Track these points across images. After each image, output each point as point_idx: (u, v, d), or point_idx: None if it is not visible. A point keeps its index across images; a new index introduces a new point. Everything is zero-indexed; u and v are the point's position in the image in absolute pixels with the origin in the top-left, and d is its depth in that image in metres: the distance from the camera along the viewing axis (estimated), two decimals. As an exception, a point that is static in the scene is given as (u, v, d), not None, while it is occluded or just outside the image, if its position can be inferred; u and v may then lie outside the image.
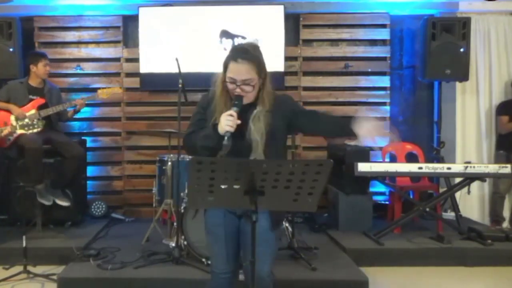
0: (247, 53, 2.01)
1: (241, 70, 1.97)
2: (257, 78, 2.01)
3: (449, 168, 4.05)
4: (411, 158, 4.92)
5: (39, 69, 4.33)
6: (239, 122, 1.93)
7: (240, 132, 1.97)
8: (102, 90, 4.44)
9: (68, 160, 4.27)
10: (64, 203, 4.18)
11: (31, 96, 4.32)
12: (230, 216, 2.11)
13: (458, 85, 5.14)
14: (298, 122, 2.13)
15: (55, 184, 4.25)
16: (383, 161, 4.84)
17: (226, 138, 1.88)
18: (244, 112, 1.99)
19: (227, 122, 1.89)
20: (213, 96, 2.09)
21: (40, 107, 4.27)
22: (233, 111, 1.92)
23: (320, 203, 2.02)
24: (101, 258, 3.61)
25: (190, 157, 1.82)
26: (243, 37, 4.93)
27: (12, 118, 4.18)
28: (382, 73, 5.21)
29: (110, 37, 5.20)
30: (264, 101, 2.05)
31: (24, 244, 3.41)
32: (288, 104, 2.15)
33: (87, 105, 4.62)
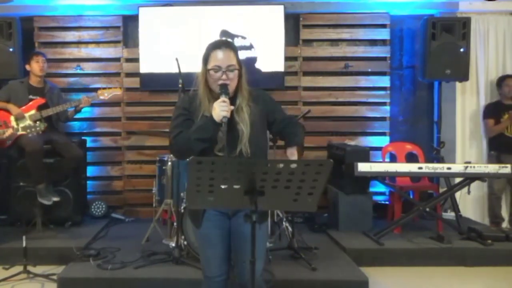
0: (227, 43, 2.11)
1: (225, 57, 2.04)
2: (238, 68, 2.06)
3: (449, 168, 4.05)
4: (411, 158, 4.92)
5: (33, 67, 4.34)
6: (232, 107, 1.99)
7: (227, 124, 1.98)
8: (102, 91, 4.44)
9: (67, 160, 4.28)
10: (53, 199, 4.19)
11: (31, 96, 4.32)
12: (222, 217, 2.11)
13: (458, 85, 5.14)
14: (272, 117, 2.18)
15: (52, 182, 4.28)
16: (383, 161, 4.84)
17: (223, 124, 1.91)
18: None
19: (222, 107, 1.93)
20: (193, 96, 2.13)
21: (40, 107, 4.28)
22: (224, 98, 1.96)
23: (320, 203, 2.03)
24: (101, 258, 3.61)
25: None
26: (243, 37, 4.94)
27: (12, 118, 4.19)
28: (382, 73, 5.21)
29: (110, 37, 5.20)
30: (243, 92, 2.10)
31: (24, 244, 3.41)
32: (267, 100, 2.20)
33: (87, 105, 4.63)
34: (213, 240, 2.11)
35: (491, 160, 4.85)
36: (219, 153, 2.03)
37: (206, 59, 2.08)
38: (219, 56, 2.03)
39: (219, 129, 1.94)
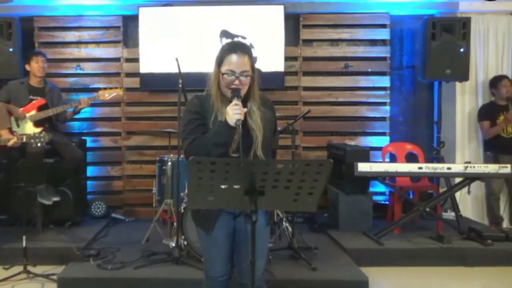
0: (244, 47, 2.09)
1: (240, 62, 2.02)
2: (251, 73, 2.05)
3: (449, 168, 4.05)
4: (411, 158, 4.92)
5: (32, 67, 4.33)
6: (245, 110, 1.97)
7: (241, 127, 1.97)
8: (103, 92, 4.40)
9: (67, 161, 4.28)
10: (53, 199, 4.19)
11: (31, 97, 4.31)
12: (228, 217, 2.11)
13: (458, 85, 5.14)
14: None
15: (52, 182, 4.28)
16: (383, 161, 4.84)
17: (238, 126, 1.89)
18: None
19: (235, 111, 1.91)
20: (204, 97, 2.11)
21: (41, 108, 4.27)
22: (236, 101, 1.95)
23: (320, 203, 2.03)
24: (101, 258, 3.61)
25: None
26: (243, 37, 4.93)
27: (13, 119, 4.18)
28: (382, 73, 5.21)
29: (110, 37, 5.20)
30: (255, 96, 2.10)
31: (24, 244, 3.42)
32: (273, 109, 2.23)
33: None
34: (218, 241, 2.11)
35: (487, 160, 4.85)
36: (234, 154, 2.01)
37: (220, 61, 2.06)
38: (234, 60, 2.01)
39: (235, 132, 1.92)
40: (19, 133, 4.00)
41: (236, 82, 2.01)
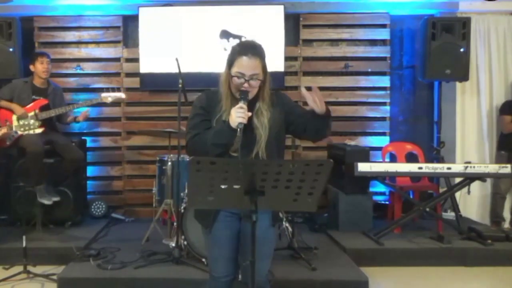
0: (255, 49, 2.04)
1: (251, 65, 1.99)
2: (262, 75, 2.04)
3: (449, 168, 4.05)
4: (411, 158, 4.92)
5: (37, 67, 4.32)
6: (250, 114, 1.95)
7: (245, 126, 1.95)
8: (106, 96, 4.35)
9: (67, 161, 4.28)
10: (53, 199, 4.18)
11: (34, 97, 4.31)
12: (232, 218, 2.10)
13: (458, 85, 5.14)
14: (291, 117, 2.13)
15: (52, 182, 4.27)
16: (383, 161, 4.84)
17: (239, 130, 1.89)
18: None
19: (238, 114, 1.90)
20: (214, 95, 2.10)
21: (42, 108, 4.27)
22: (242, 104, 1.93)
23: (320, 203, 2.03)
24: (101, 258, 3.61)
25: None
26: (243, 37, 4.93)
27: (14, 117, 4.18)
28: (382, 73, 5.21)
29: (110, 37, 5.20)
30: (265, 97, 2.08)
31: (24, 244, 3.41)
32: (285, 99, 2.20)
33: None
34: (221, 241, 2.11)
35: (501, 159, 4.78)
36: (234, 153, 2.00)
37: (231, 63, 2.03)
38: (244, 63, 1.99)
39: (235, 135, 1.91)
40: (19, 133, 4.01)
41: (245, 85, 1.99)
